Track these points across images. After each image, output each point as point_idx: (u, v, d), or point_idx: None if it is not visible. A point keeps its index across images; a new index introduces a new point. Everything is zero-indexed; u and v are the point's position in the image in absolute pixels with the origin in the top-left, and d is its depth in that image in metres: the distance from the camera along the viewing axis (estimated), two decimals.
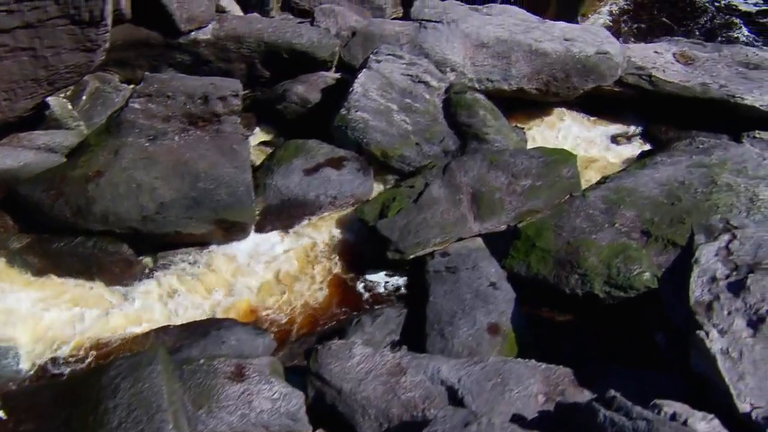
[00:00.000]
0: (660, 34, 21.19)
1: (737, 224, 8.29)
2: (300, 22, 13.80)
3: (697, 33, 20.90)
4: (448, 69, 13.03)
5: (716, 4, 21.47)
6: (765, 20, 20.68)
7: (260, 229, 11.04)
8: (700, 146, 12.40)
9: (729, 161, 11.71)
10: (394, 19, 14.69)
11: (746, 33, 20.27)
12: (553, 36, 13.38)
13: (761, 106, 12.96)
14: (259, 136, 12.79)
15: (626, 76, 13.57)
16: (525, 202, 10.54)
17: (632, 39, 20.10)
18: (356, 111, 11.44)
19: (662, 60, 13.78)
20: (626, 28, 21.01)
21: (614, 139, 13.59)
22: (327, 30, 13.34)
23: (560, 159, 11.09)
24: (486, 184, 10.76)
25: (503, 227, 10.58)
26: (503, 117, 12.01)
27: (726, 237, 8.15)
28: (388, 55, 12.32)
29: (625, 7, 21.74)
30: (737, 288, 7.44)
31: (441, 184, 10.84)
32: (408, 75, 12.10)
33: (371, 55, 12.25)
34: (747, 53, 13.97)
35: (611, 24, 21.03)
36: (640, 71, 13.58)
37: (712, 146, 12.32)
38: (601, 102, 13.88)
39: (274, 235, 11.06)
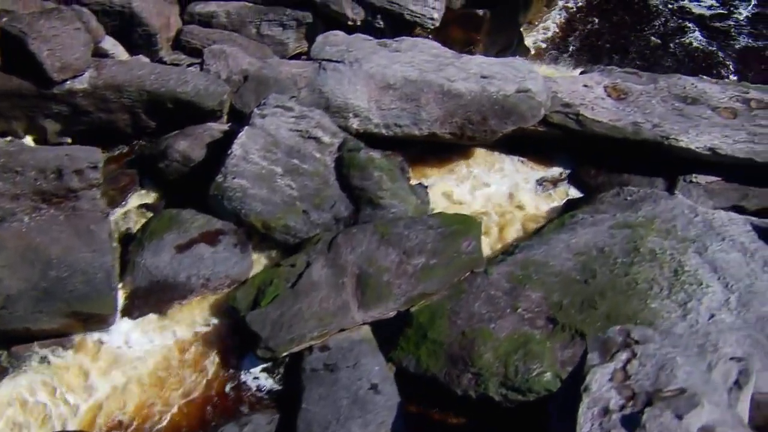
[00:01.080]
0: (610, 39, 19.81)
1: (638, 338, 7.06)
2: (190, 65, 12.44)
3: (652, 40, 19.52)
4: (350, 115, 11.71)
5: (670, 6, 20.01)
6: (719, 24, 19.23)
7: (128, 314, 9.87)
8: (628, 198, 11.16)
9: (657, 219, 10.46)
10: (297, 55, 13.27)
11: (699, 38, 18.87)
12: (468, 73, 12.01)
13: (697, 148, 11.63)
14: (139, 197, 11.50)
15: (552, 115, 12.23)
16: (416, 285, 9.29)
17: (579, 53, 18.75)
18: (233, 178, 10.13)
19: (592, 95, 12.42)
20: (574, 37, 19.59)
21: (540, 183, 12.26)
22: (217, 74, 11.96)
23: (460, 230, 9.82)
24: (374, 264, 9.48)
25: (392, 314, 9.30)
26: (402, 177, 10.72)
27: (624, 356, 6.94)
28: (276, 107, 10.97)
29: (575, 13, 20.24)
30: (632, 425, 6.20)
31: (324, 263, 9.58)
32: (297, 131, 10.77)
33: (255, 109, 10.91)
34: (685, 85, 12.60)
35: (558, 31, 19.61)
36: (566, 109, 12.23)
37: (641, 198, 11.08)
38: (526, 141, 12.51)
39: (141, 323, 9.86)
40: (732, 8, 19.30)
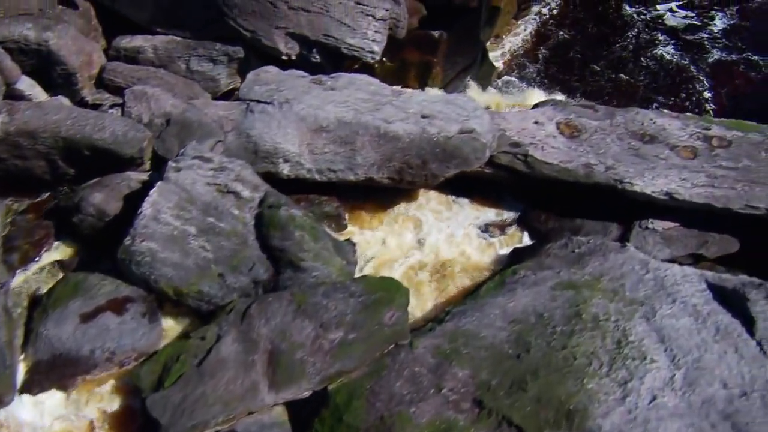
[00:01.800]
0: (581, 51, 18.93)
1: None
2: (113, 105, 11.63)
3: (624, 52, 18.63)
4: (280, 160, 10.89)
5: (643, 17, 19.09)
6: (692, 37, 18.31)
7: (28, 390, 9.11)
8: (576, 250, 10.36)
9: (604, 277, 9.69)
10: (231, 90, 12.40)
11: (671, 51, 17.98)
12: (408, 113, 11.17)
13: (653, 193, 10.80)
14: (54, 252, 10.66)
15: (499, 155, 11.39)
16: (332, 364, 8.51)
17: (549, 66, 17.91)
18: (142, 241, 9.32)
19: (543, 133, 11.56)
20: (543, 50, 18.71)
21: (486, 229, 11.44)
22: (139, 118, 11.14)
23: (384, 298, 9.02)
24: (288, 339, 8.70)
25: (306, 394, 8.52)
26: (326, 236, 9.87)
27: None
28: (194, 158, 10.15)
29: (545, 24, 19.33)
30: None
31: (236, 336, 8.80)
32: (215, 184, 9.96)
33: (171, 162, 10.09)
34: (643, 120, 11.75)
35: (526, 45, 18.73)
36: (515, 149, 11.39)
37: (590, 251, 10.29)
38: (473, 181, 11.68)
39: (42, 400, 9.02)
40: (707, 20, 18.35)
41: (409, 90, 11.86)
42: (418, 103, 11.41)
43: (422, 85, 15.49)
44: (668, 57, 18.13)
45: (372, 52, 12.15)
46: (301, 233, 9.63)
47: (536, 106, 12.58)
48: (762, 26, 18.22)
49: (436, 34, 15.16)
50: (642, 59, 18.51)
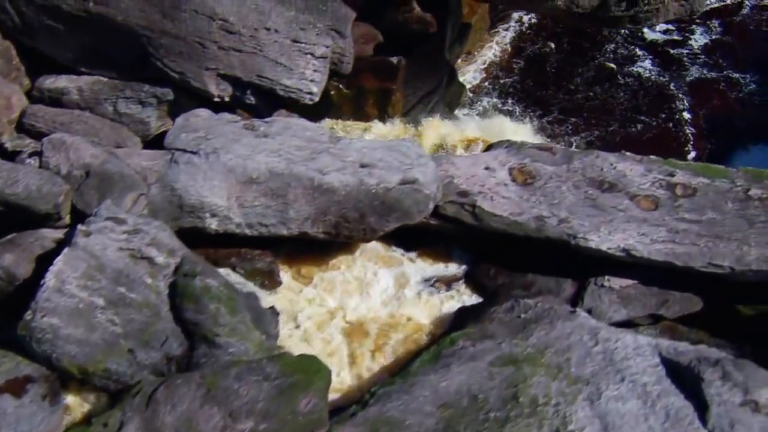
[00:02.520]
0: (557, 68, 18.06)
1: None
2: (32, 153, 10.81)
3: (602, 68, 17.76)
4: (207, 215, 10.13)
5: (623, 31, 18.18)
6: (673, 52, 17.38)
7: None
8: (522, 315, 9.66)
9: (549, 350, 8.97)
10: (160, 135, 11.56)
11: (649, 67, 17.09)
12: (345, 162, 10.38)
13: (609, 249, 10.01)
14: None
15: (445, 206, 10.60)
16: None
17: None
18: (43, 316, 8.60)
19: (493, 180, 10.76)
20: (517, 67, 17.84)
21: (432, 284, 10.67)
22: (57, 169, 10.36)
23: (301, 381, 8.27)
24: (193, 429, 7.92)
25: None
26: (244, 309, 9.06)
27: None
28: (107, 219, 9.41)
29: (520, 39, 18.42)
30: None
31: (139, 425, 8.09)
32: (128, 249, 9.20)
33: (80, 225, 9.35)
34: (603, 165, 10.92)
35: (499, 62, 17.86)
36: (462, 198, 10.59)
37: (537, 317, 9.58)
38: (419, 231, 10.88)
39: None
40: (687, 34, 17.40)
41: (348, 137, 11.05)
42: (357, 151, 10.60)
43: (381, 112, 14.76)
44: (647, 74, 17.27)
45: (310, 93, 11.31)
46: (216, 306, 8.87)
47: (490, 147, 11.74)
48: (744, 43, 17.27)
49: (394, 60, 14.36)
50: (620, 76, 17.64)
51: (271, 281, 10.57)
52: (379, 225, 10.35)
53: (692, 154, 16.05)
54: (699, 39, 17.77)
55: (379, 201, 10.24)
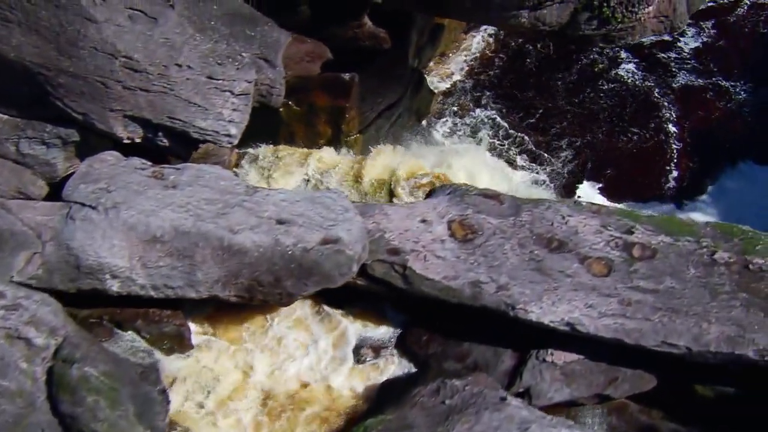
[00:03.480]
0: (536, 70, 16.70)
1: None
2: None
3: (585, 71, 16.37)
4: (107, 276, 9.10)
5: None
6: (660, 55, 15.92)
7: None
8: (448, 401, 8.79)
9: None
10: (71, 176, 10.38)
11: (634, 70, 15.70)
12: (260, 218, 9.30)
13: (551, 322, 8.96)
14: None
15: (374, 265, 9.54)
16: None
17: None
18: None
19: (429, 236, 9.64)
20: (492, 70, 16.49)
21: (359, 351, 9.66)
22: None
23: None
24: None
25: None
26: (127, 401, 8.09)
27: None
28: None
29: (496, 40, 16.99)
30: None
31: None
32: (3, 329, 8.20)
33: None
34: (554, 219, 9.77)
35: (475, 65, 16.50)
36: (392, 257, 9.51)
37: (463, 404, 8.82)
38: (348, 290, 9.82)
39: None
40: (678, 36, 15.90)
41: (267, 188, 9.91)
42: (275, 204, 9.49)
43: (336, 130, 13.64)
44: (632, 79, 15.86)
45: (228, 135, 10.10)
46: (95, 398, 7.95)
47: (431, 193, 10.53)
48: (737, 47, 15.75)
49: (346, 76, 13.14)
50: (603, 81, 16.23)
51: (180, 345, 9.64)
52: (297, 289, 9.30)
53: (674, 174, 14.79)
54: (689, 42, 16.26)
55: (296, 263, 9.17)
